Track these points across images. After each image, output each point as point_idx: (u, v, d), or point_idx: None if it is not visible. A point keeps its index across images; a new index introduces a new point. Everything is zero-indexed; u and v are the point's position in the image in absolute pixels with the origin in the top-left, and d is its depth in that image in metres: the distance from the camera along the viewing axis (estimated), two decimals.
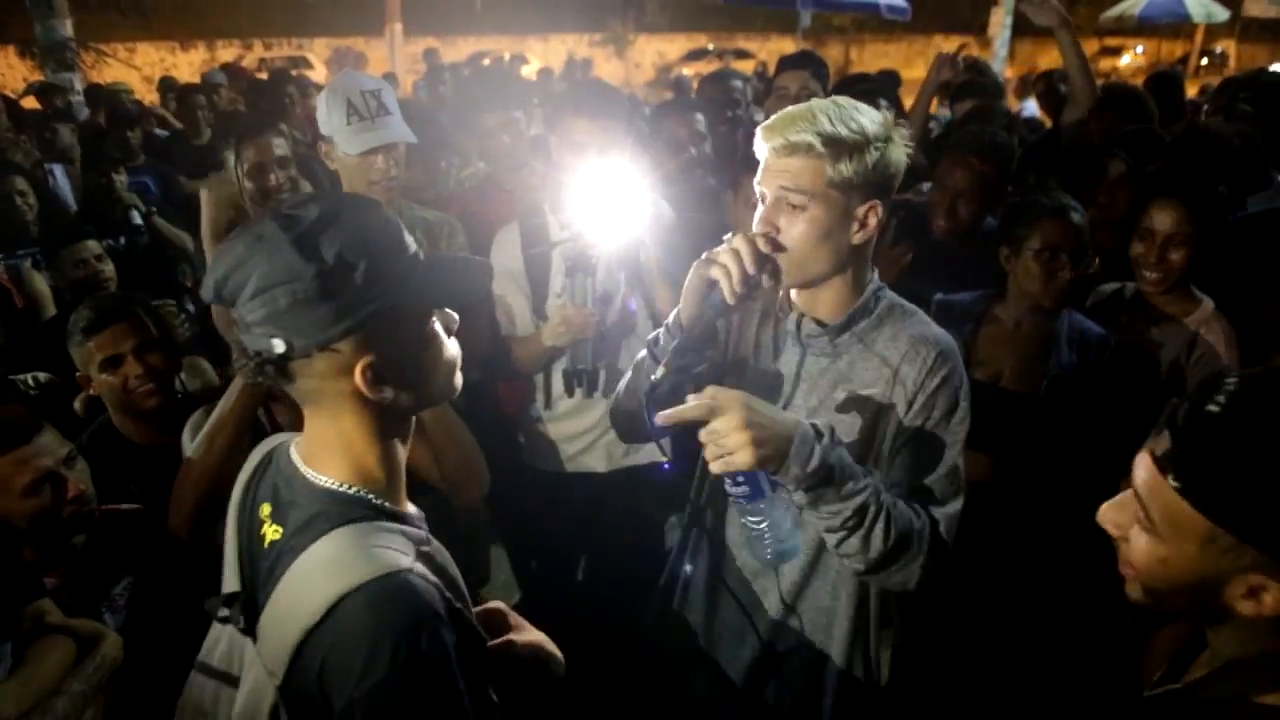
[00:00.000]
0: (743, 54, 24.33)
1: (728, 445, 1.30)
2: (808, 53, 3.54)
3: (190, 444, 1.86)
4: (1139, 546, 1.01)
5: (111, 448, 2.10)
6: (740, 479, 1.34)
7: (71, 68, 8.55)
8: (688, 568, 1.82)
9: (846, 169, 1.43)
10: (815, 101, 1.47)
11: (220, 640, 1.21)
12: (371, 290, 1.06)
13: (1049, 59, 26.22)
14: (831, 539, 1.46)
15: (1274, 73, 4.39)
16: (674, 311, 1.57)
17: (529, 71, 13.60)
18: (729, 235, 1.47)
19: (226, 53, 20.98)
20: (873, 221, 1.49)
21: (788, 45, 17.14)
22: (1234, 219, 2.60)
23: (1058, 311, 2.30)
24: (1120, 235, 2.80)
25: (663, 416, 1.33)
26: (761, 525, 1.37)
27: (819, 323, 1.58)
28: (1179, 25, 21.10)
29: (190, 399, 2.22)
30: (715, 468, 1.32)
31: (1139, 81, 5.40)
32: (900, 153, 1.48)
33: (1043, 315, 2.30)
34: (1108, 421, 2.26)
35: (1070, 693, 2.14)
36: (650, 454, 2.47)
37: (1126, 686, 1.21)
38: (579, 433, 2.54)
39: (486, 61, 13.69)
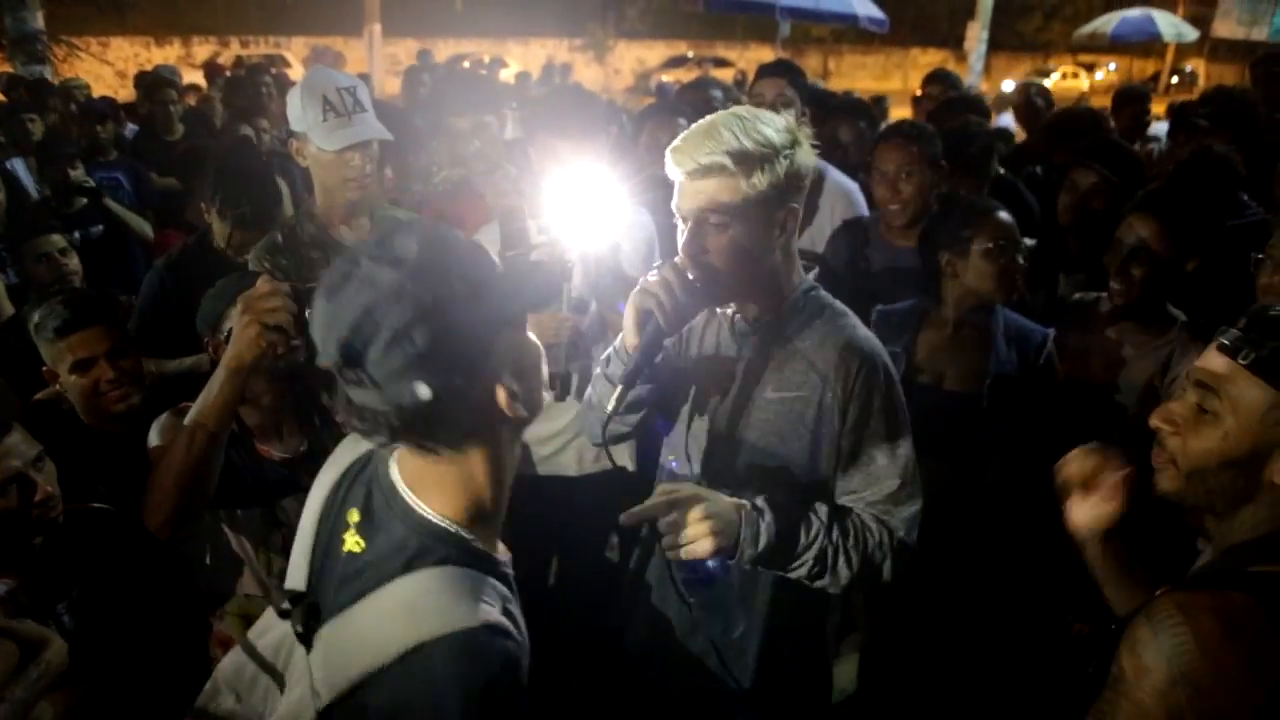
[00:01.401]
0: (722, 62, 24.44)
1: (689, 535, 1.41)
2: (784, 61, 3.56)
3: (155, 441, 1.84)
4: (1198, 431, 1.20)
5: (74, 436, 2.06)
6: (696, 567, 1.46)
7: (43, 61, 8.43)
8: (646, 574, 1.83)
9: (761, 182, 1.46)
10: (719, 117, 1.50)
11: (271, 630, 1.20)
12: (485, 310, 1.02)
13: (1023, 73, 26.61)
14: (804, 581, 1.56)
15: (1228, 88, 4.48)
16: (620, 336, 1.60)
17: (508, 75, 13.58)
18: (658, 264, 1.52)
19: (202, 50, 20.80)
20: (792, 224, 1.56)
21: (767, 54, 17.25)
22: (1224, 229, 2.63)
23: (987, 314, 2.34)
24: (1089, 245, 2.85)
25: (627, 518, 1.42)
26: (704, 587, 1.50)
27: (749, 321, 1.64)
28: (1150, 44, 21.49)
29: (156, 398, 2.19)
30: (676, 556, 1.42)
31: (1109, 97, 5.48)
32: (808, 154, 1.53)
33: (981, 316, 2.34)
34: (1052, 416, 2.30)
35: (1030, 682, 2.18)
36: (619, 455, 2.48)
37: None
38: (551, 435, 2.54)
39: (466, 64, 13.68)
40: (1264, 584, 1.10)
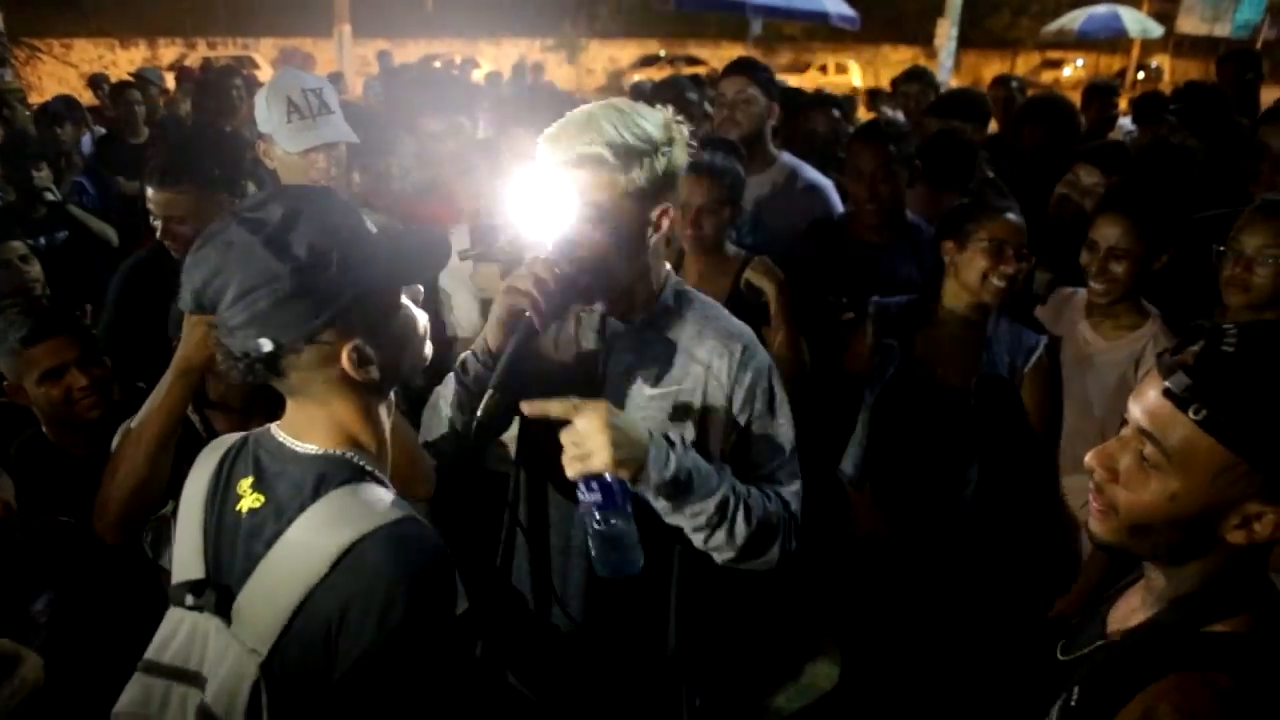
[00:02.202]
0: (694, 60, 24.43)
1: (588, 447, 1.34)
2: (745, 58, 3.54)
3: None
4: (1142, 485, 1.07)
5: (44, 460, 2.03)
6: (594, 485, 1.37)
7: (2, 63, 8.27)
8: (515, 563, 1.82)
9: (638, 177, 1.43)
10: (597, 108, 1.46)
11: (176, 635, 1.17)
12: (346, 278, 1.10)
13: (993, 69, 26.81)
14: (698, 538, 1.51)
15: (1201, 84, 4.54)
16: (480, 337, 1.56)
17: (480, 76, 13.52)
18: (529, 258, 1.47)
19: (169, 51, 20.53)
20: (665, 224, 1.52)
21: (739, 53, 17.27)
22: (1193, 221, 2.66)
23: (984, 314, 2.34)
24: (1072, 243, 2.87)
25: (528, 407, 1.37)
26: (608, 529, 1.39)
27: (621, 319, 1.61)
28: (1116, 40, 21.75)
29: (121, 408, 2.15)
30: (573, 470, 1.36)
31: (1078, 92, 5.55)
32: (682, 153, 1.50)
33: (978, 315, 2.34)
34: (1033, 423, 2.31)
35: (1006, 674, 2.19)
36: None
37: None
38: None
39: (437, 64, 13.59)
40: (1228, 650, 1.04)
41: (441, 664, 1.10)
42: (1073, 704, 1.12)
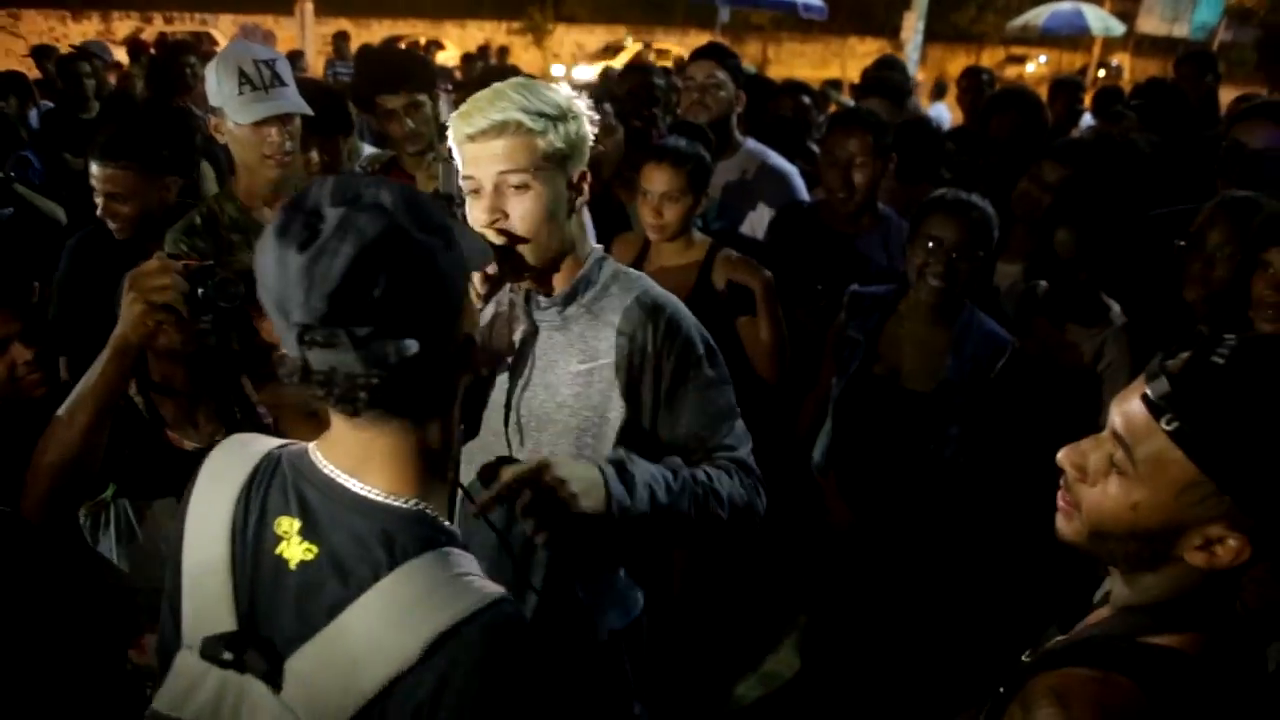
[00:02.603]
0: (661, 52, 24.38)
1: (552, 509, 1.34)
2: (716, 44, 3.52)
3: None
4: (1105, 489, 1.02)
5: None
6: (574, 542, 1.39)
7: None
8: None
9: (557, 140, 1.44)
10: (502, 84, 1.46)
11: (200, 687, 0.99)
12: (458, 264, 0.99)
13: (959, 63, 27.03)
14: (682, 534, 1.55)
15: (1161, 80, 4.60)
16: None
17: (445, 58, 13.33)
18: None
19: (123, 25, 19.93)
20: (584, 187, 1.53)
21: (706, 40, 17.26)
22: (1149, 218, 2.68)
23: (957, 310, 2.31)
24: (1035, 237, 2.87)
25: (475, 508, 1.32)
26: (601, 587, 1.47)
27: (546, 295, 1.58)
28: (1079, 38, 22.05)
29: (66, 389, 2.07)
30: (542, 538, 1.35)
31: (1042, 88, 5.61)
32: (587, 125, 1.51)
33: (942, 313, 2.31)
34: (999, 424, 2.29)
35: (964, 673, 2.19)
36: None
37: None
38: None
39: (401, 46, 13.36)
40: (1153, 661, 0.99)
41: None
42: (1000, 692, 1.11)
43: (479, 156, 1.44)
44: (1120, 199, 2.44)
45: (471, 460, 1.61)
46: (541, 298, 1.58)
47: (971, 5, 28.73)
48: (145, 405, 1.83)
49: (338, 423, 1.01)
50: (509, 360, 1.60)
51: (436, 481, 1.05)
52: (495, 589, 0.98)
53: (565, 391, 1.57)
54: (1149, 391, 0.97)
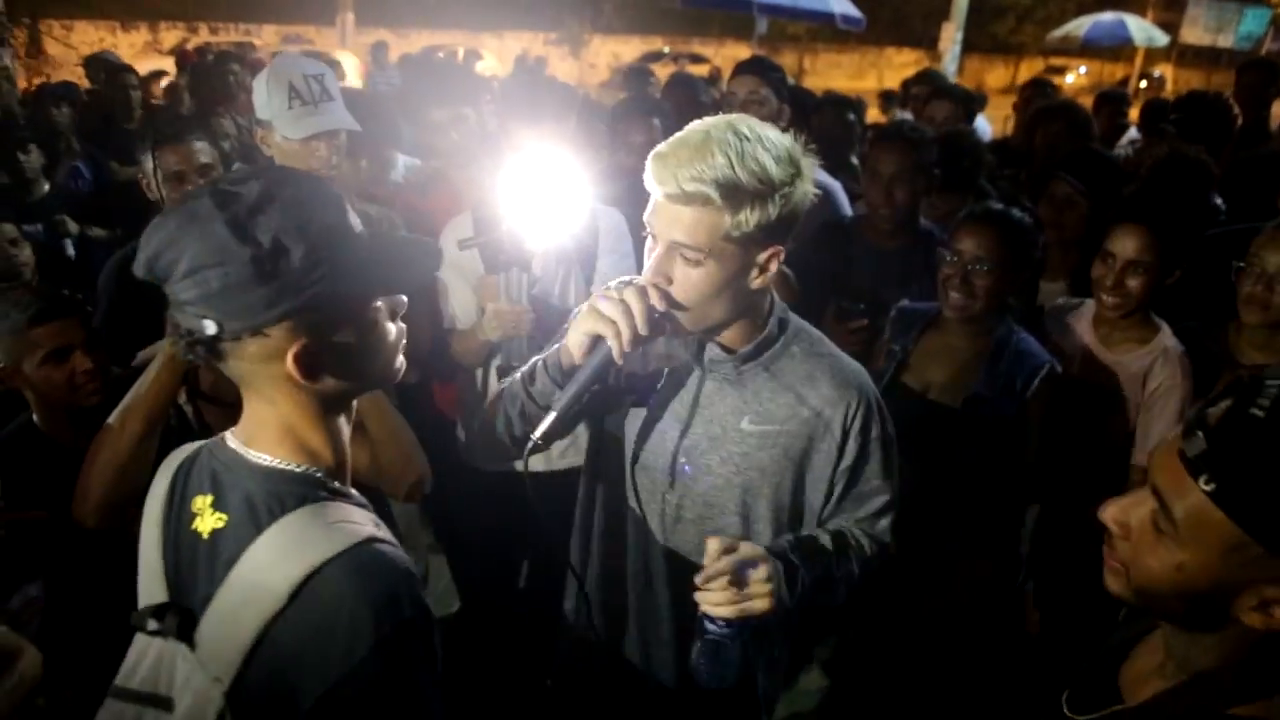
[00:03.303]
0: (698, 59, 24.39)
1: (752, 595, 1.35)
2: (759, 58, 3.49)
3: None
4: (1151, 551, 0.97)
5: (35, 450, 1.97)
6: (735, 623, 1.37)
7: (2, 43, 8.21)
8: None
9: (747, 221, 1.30)
10: (715, 131, 1.30)
11: (144, 658, 1.11)
12: (309, 275, 1.02)
13: (997, 75, 26.81)
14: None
15: (1201, 93, 4.50)
16: (554, 348, 1.47)
17: (484, 68, 13.45)
18: (618, 282, 1.40)
19: (170, 35, 20.38)
20: (774, 267, 1.41)
21: (743, 51, 17.25)
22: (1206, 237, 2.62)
23: (993, 325, 2.26)
24: (1075, 255, 2.82)
25: (700, 579, 1.35)
26: (724, 652, 1.40)
27: (724, 348, 1.50)
28: (1120, 48, 21.73)
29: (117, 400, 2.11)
30: (732, 612, 1.35)
31: (1083, 99, 5.53)
32: (807, 189, 1.36)
33: (975, 328, 2.26)
34: (1028, 445, 2.24)
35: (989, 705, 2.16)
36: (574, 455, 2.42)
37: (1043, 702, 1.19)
38: None
39: (440, 55, 13.50)
40: None
41: (416, 695, 1.03)
42: None
43: (662, 212, 1.34)
44: (1186, 214, 2.37)
45: (623, 494, 1.65)
46: (718, 349, 1.51)
47: (1010, 15, 28.47)
48: (194, 414, 1.86)
49: (244, 400, 1.13)
50: (660, 399, 1.56)
51: (318, 456, 1.13)
52: (366, 531, 1.06)
53: (732, 448, 1.51)
54: (1185, 449, 0.92)
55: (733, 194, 1.28)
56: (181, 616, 1.06)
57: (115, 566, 1.75)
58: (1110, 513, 1.03)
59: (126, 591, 1.76)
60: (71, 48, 12.76)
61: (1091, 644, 1.25)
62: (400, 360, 1.19)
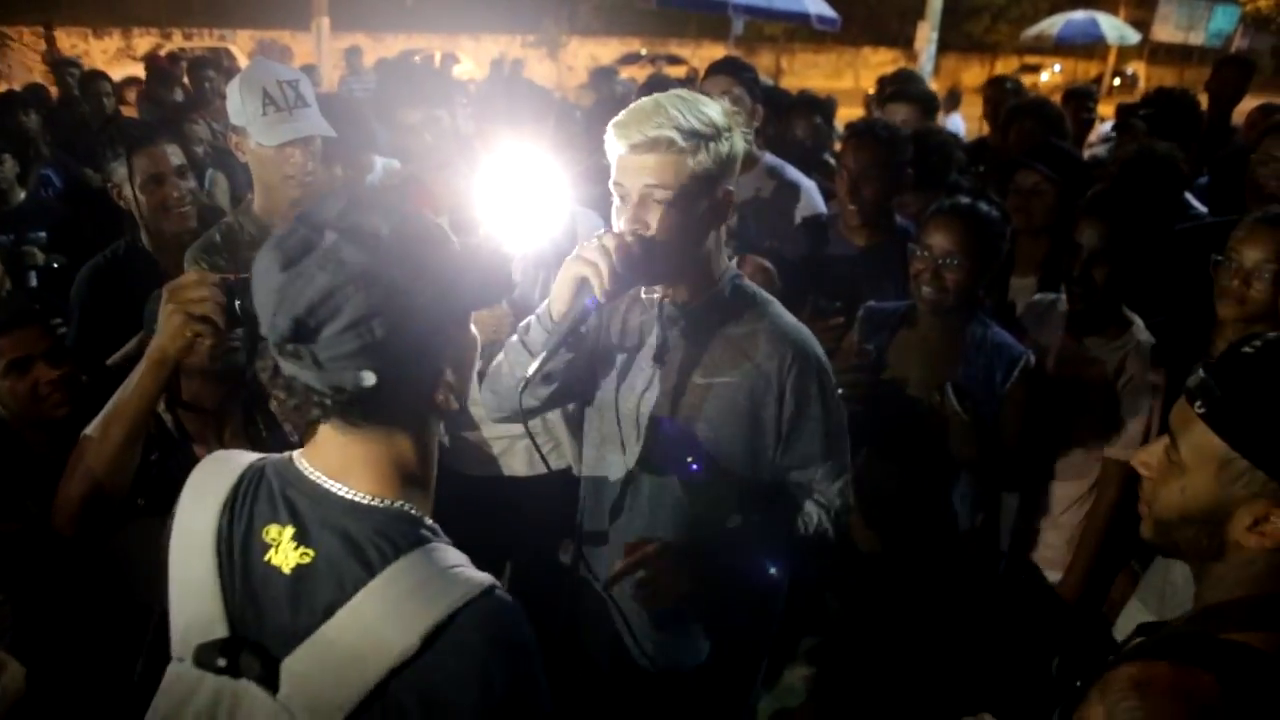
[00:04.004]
0: (675, 59, 24.43)
1: (664, 590, 1.60)
2: (731, 59, 3.51)
3: None
4: (1163, 479, 1.11)
5: (5, 456, 1.95)
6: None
7: None
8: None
9: (706, 160, 1.49)
10: (662, 96, 1.52)
11: (195, 694, 1.02)
12: (447, 302, 1.02)
13: (973, 74, 27.00)
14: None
15: (1170, 90, 4.55)
16: (545, 303, 1.60)
17: (460, 71, 13.42)
18: (600, 232, 1.52)
19: (143, 41, 20.20)
20: (727, 206, 1.58)
21: (720, 52, 17.29)
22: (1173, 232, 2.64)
23: (966, 320, 2.28)
24: (1045, 245, 2.85)
25: (610, 579, 1.64)
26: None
27: (678, 305, 1.65)
28: (1093, 46, 21.98)
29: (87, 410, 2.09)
30: (652, 604, 1.63)
31: (1056, 97, 5.59)
32: (740, 140, 1.56)
33: (949, 322, 2.29)
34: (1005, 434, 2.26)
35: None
36: (562, 456, 2.43)
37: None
38: (498, 435, 2.48)
39: (417, 59, 13.45)
40: (1235, 657, 1.00)
41: None
42: (1078, 685, 1.12)
43: (629, 167, 1.51)
44: (1152, 209, 2.39)
45: (592, 453, 1.79)
46: (673, 307, 1.66)
47: (985, 15, 28.71)
48: (173, 422, 1.85)
49: (322, 430, 1.06)
50: (628, 361, 1.70)
51: (417, 484, 1.09)
52: (484, 578, 1.02)
53: (686, 400, 1.64)
54: (1188, 383, 1.08)
55: (690, 135, 1.48)
56: (258, 655, 0.99)
57: (88, 576, 1.76)
58: (1137, 456, 1.18)
59: (99, 601, 1.76)
60: (42, 54, 12.62)
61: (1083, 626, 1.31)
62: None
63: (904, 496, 2.35)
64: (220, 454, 1.19)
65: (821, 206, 3.14)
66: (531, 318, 1.64)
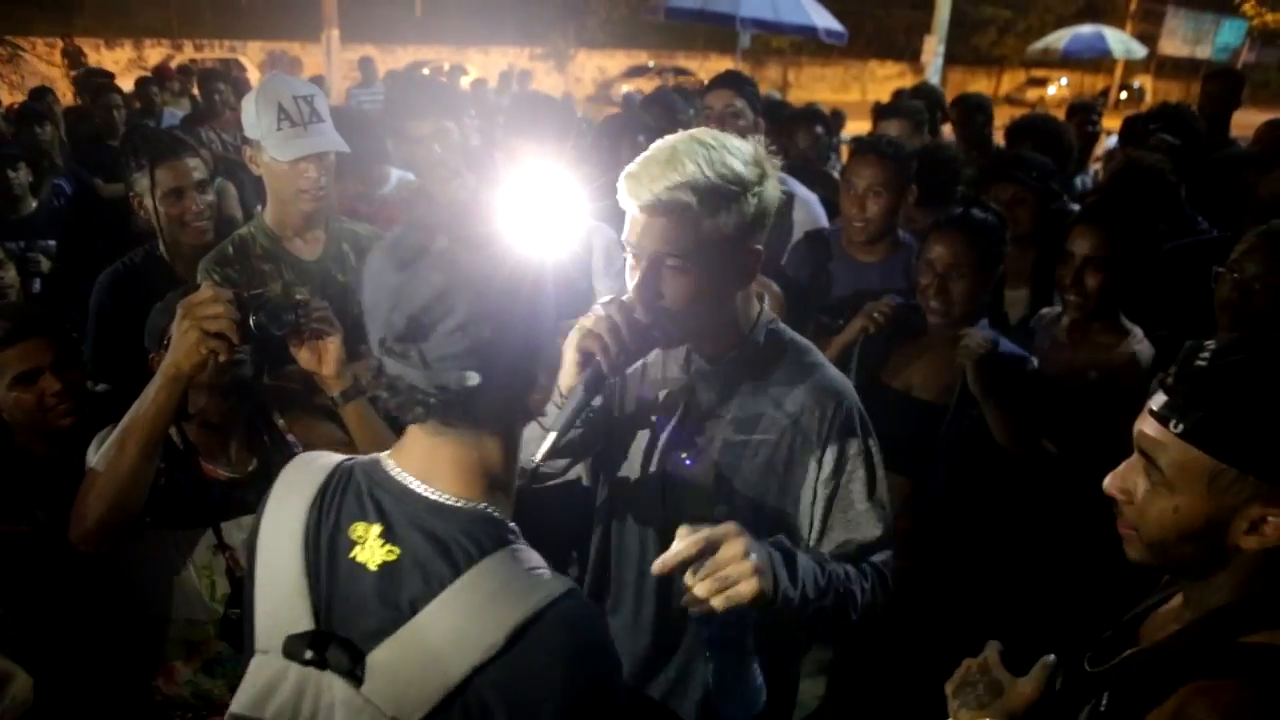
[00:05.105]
0: (682, 72, 24.51)
1: (732, 576, 1.22)
2: (733, 72, 3.55)
3: (95, 457, 1.76)
4: (1149, 503, 1.11)
5: (10, 463, 1.97)
6: (731, 621, 1.27)
7: None
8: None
9: (725, 223, 1.33)
10: (681, 143, 1.35)
11: (278, 686, 1.04)
12: (543, 311, 1.05)
13: (979, 88, 27.01)
14: (811, 625, 1.50)
15: (1175, 105, 4.60)
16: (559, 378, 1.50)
17: (468, 83, 13.50)
18: (603, 300, 1.40)
19: (155, 52, 20.36)
20: (755, 266, 1.44)
21: (727, 65, 17.33)
22: (1168, 249, 2.66)
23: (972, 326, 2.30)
24: (1032, 253, 2.86)
25: (658, 566, 1.25)
26: (730, 665, 1.34)
27: (706, 358, 1.52)
28: (1100, 60, 22.02)
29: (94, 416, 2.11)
30: (721, 602, 1.23)
31: (1062, 110, 5.64)
32: (774, 189, 1.39)
33: (956, 330, 2.31)
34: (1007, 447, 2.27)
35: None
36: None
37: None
38: None
39: (426, 71, 13.55)
40: (1264, 661, 1.03)
41: None
42: (1102, 709, 1.13)
43: (640, 227, 1.36)
44: (1143, 217, 2.42)
45: (618, 510, 1.62)
46: (701, 360, 1.52)
47: (991, 29, 28.76)
48: (179, 436, 1.86)
49: (410, 431, 1.09)
50: (654, 414, 1.56)
51: (500, 487, 1.11)
52: (565, 580, 1.05)
53: (716, 458, 1.50)
54: (1153, 406, 1.09)
55: (708, 197, 1.32)
56: (344, 648, 1.01)
57: (94, 586, 1.77)
58: (1111, 483, 1.17)
59: (104, 612, 1.77)
60: (55, 65, 12.72)
61: (1109, 620, 1.32)
62: None
63: (912, 508, 2.36)
64: (308, 454, 1.21)
65: (824, 220, 3.16)
66: (550, 404, 1.49)
